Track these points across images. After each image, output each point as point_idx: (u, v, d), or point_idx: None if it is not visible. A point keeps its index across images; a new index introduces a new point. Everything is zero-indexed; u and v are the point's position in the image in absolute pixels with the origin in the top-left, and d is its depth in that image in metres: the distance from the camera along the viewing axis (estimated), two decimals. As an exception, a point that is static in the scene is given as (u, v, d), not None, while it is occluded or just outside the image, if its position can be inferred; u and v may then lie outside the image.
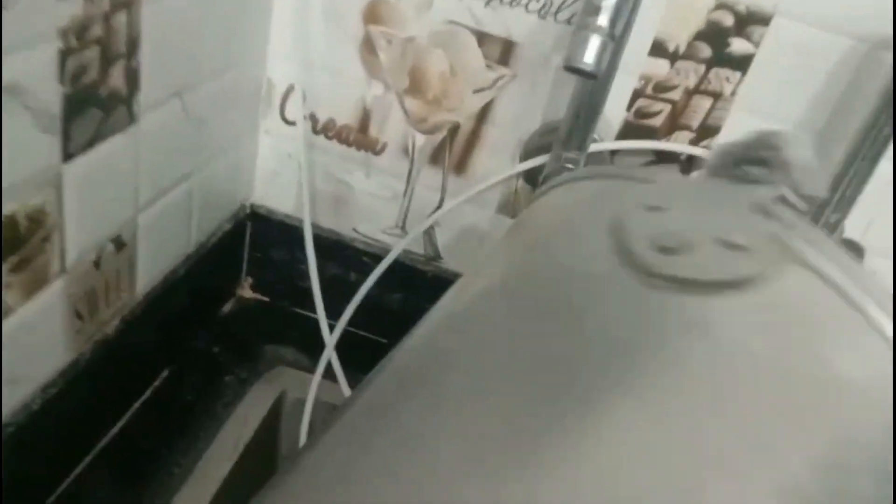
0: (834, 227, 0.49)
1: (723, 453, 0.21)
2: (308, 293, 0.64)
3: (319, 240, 0.62)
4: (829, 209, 0.48)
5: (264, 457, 0.58)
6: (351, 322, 0.62)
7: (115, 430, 0.51)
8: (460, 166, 0.57)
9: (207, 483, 0.50)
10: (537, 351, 0.25)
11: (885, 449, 0.23)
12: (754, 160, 0.28)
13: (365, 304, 0.61)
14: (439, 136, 0.56)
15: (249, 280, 0.66)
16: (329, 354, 0.58)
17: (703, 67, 0.50)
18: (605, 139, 0.53)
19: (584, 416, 0.22)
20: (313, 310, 0.66)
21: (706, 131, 0.52)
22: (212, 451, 0.52)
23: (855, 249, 0.46)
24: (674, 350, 0.23)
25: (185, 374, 0.57)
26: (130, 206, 0.45)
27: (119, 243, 0.45)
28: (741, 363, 0.23)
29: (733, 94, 0.50)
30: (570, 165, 0.48)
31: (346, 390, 0.59)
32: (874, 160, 0.46)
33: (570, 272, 0.27)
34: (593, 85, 0.46)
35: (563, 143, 0.49)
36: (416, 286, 0.62)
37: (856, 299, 0.24)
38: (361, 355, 0.63)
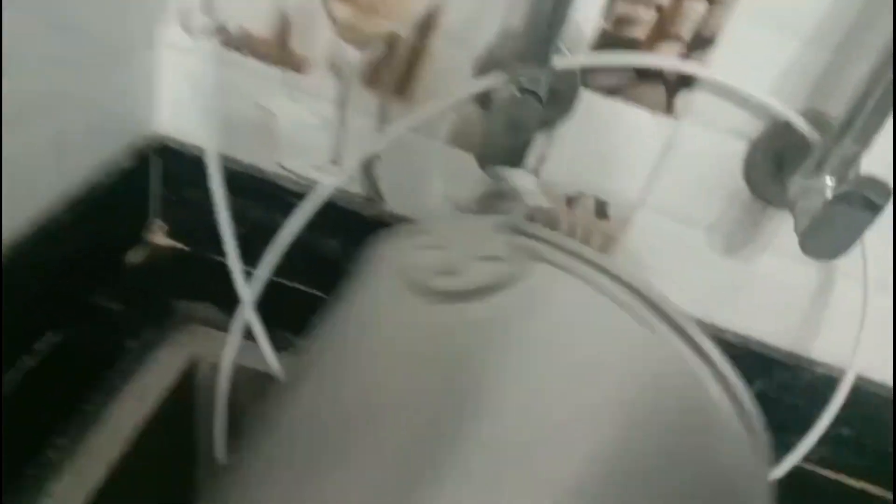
0: (851, 161, 0.40)
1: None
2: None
3: (238, 177, 0.52)
4: (848, 139, 0.39)
5: (173, 435, 0.50)
6: (281, 272, 0.53)
7: (-20, 408, 0.43)
8: (402, 88, 0.47)
9: (92, 469, 0.41)
10: (382, 393, 0.29)
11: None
12: (494, 195, 0.39)
13: (296, 252, 0.52)
14: (376, 51, 0.46)
15: (163, 225, 0.57)
16: (248, 312, 0.50)
17: (697, -39, 0.40)
18: (574, 52, 0.43)
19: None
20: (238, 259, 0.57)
21: (699, 43, 0.42)
22: (100, 432, 0.43)
23: (877, 188, 0.37)
24: (468, 344, 0.30)
25: (76, 339, 0.48)
26: (-37, 136, 0.35)
27: (-48, 183, 0.35)
28: (517, 340, 0.29)
29: (734, -5, 0.40)
30: (528, 86, 0.38)
31: (267, 352, 0.50)
32: (907, 78, 0.37)
33: (377, 316, 0.33)
34: (558, -21, 0.36)
35: (520, 56, 0.39)
36: (354, 231, 0.53)
37: (585, 276, 0.31)
38: (293, 310, 0.55)
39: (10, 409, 0.43)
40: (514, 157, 0.39)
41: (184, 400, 0.49)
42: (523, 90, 0.39)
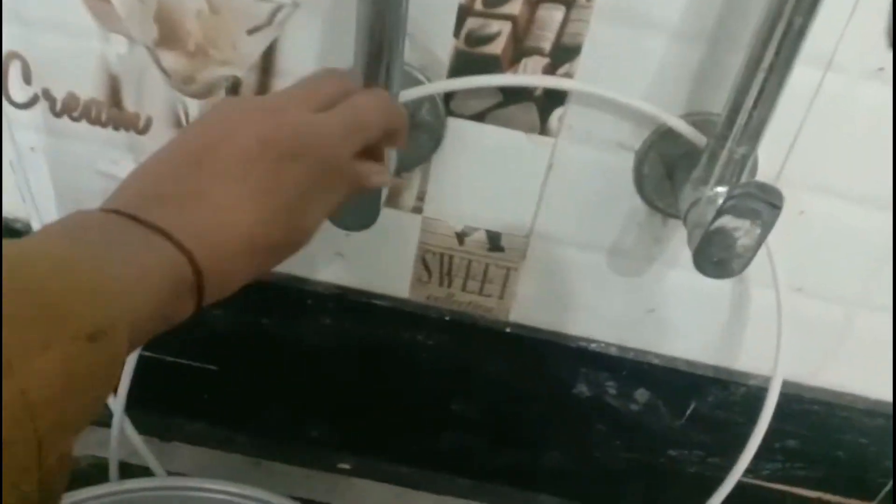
0: (742, 164, 0.36)
1: None
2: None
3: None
4: (732, 141, 0.35)
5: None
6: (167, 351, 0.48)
7: None
8: (256, 137, 0.43)
9: None
10: None
11: None
12: None
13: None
14: (218, 99, 0.42)
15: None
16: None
17: (545, -36, 0.36)
18: (433, 79, 0.39)
19: None
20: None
21: (563, 53, 0.38)
22: None
23: (768, 193, 0.34)
24: None
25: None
26: None
27: None
28: None
29: (591, -3, 0.37)
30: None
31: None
32: (784, 67, 0.33)
33: None
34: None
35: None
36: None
37: None
38: (172, 388, 0.51)
39: None
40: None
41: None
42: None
